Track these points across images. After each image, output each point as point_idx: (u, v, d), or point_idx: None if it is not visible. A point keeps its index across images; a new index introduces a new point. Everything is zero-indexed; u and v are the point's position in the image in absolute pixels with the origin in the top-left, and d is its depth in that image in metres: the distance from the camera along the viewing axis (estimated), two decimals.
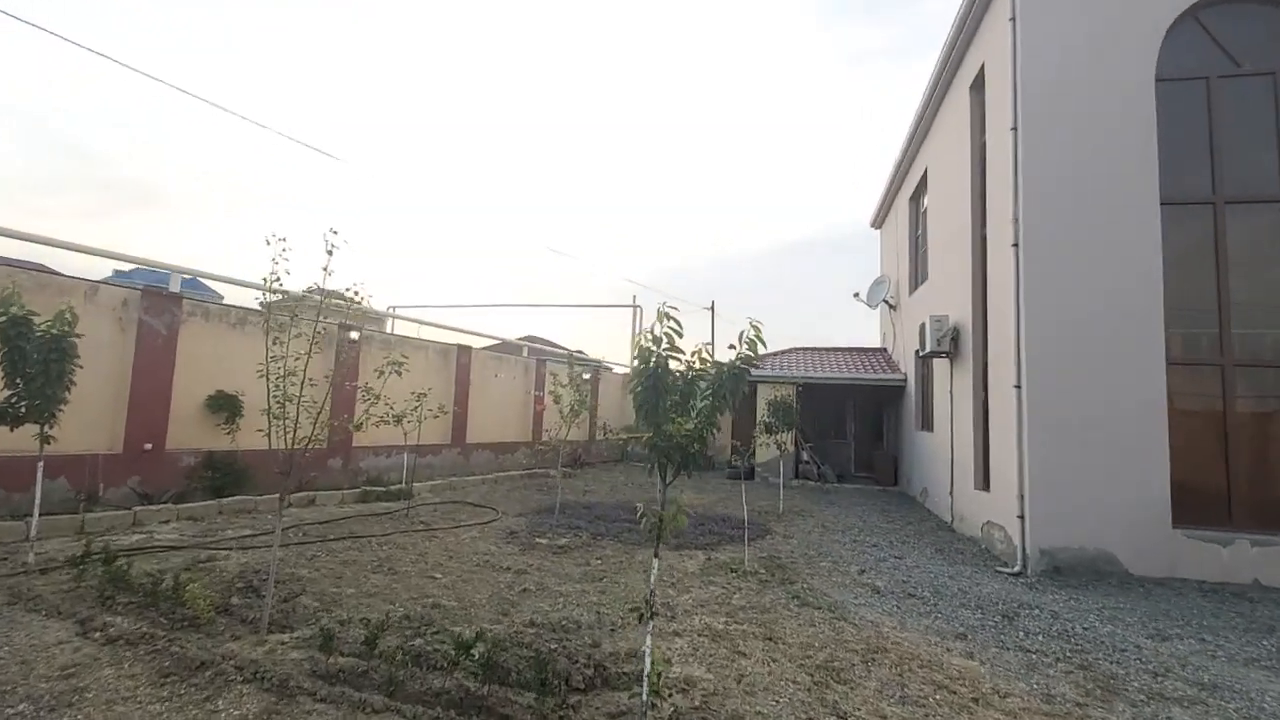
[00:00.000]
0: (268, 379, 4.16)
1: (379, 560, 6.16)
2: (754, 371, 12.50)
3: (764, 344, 3.34)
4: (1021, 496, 6.96)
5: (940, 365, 10.53)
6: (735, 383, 3.24)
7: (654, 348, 3.17)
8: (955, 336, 9.65)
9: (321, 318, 4.56)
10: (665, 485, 3.25)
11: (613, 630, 4.62)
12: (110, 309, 7.80)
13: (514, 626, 4.52)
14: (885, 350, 16.49)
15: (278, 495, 7.89)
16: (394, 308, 19.83)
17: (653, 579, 3.22)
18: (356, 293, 4.30)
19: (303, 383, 4.18)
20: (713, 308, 31.60)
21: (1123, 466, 6.70)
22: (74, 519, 6.49)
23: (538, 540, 7.44)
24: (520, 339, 21.35)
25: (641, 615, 3.11)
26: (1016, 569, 6.88)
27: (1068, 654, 4.65)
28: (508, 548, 7.05)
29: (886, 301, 15.29)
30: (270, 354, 4.17)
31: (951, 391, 9.96)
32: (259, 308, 10.03)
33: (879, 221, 17.61)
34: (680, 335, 3.20)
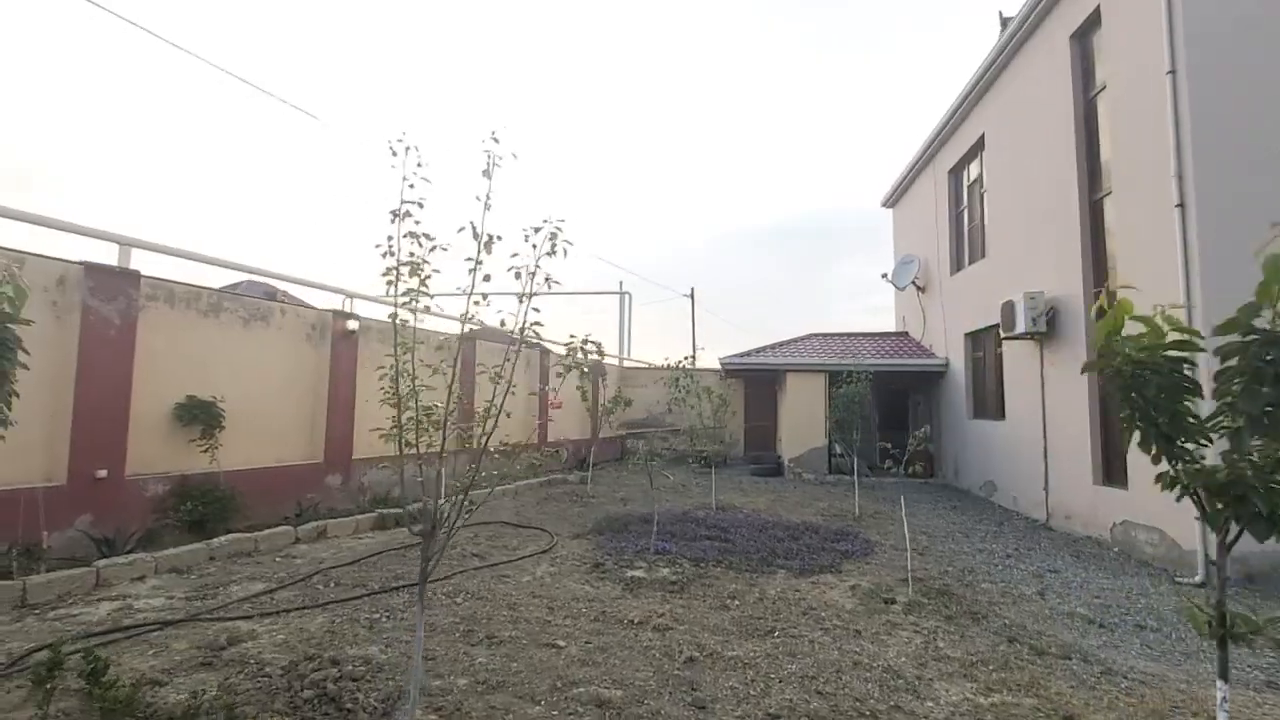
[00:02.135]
0: (397, 378, 2.58)
1: (464, 621, 4.57)
2: (782, 360, 11.25)
3: None
4: None
5: (1022, 347, 9.62)
6: None
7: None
8: (1051, 316, 8.74)
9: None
10: None
11: None
12: (41, 289, 5.77)
13: None
14: (906, 334, 15.69)
15: (282, 529, 6.13)
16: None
17: None
18: (557, 230, 2.69)
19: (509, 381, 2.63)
20: (692, 294, 30.51)
21: None
22: (10, 586, 4.56)
23: (632, 574, 5.98)
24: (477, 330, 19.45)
25: None
26: (1198, 579, 5.96)
27: None
28: (606, 587, 5.57)
29: (914, 283, 14.45)
30: (401, 343, 2.59)
31: (1043, 376, 9.06)
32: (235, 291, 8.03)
33: (893, 200, 16.77)
34: None
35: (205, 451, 6.87)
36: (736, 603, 5.22)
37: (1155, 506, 6.74)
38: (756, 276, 73.27)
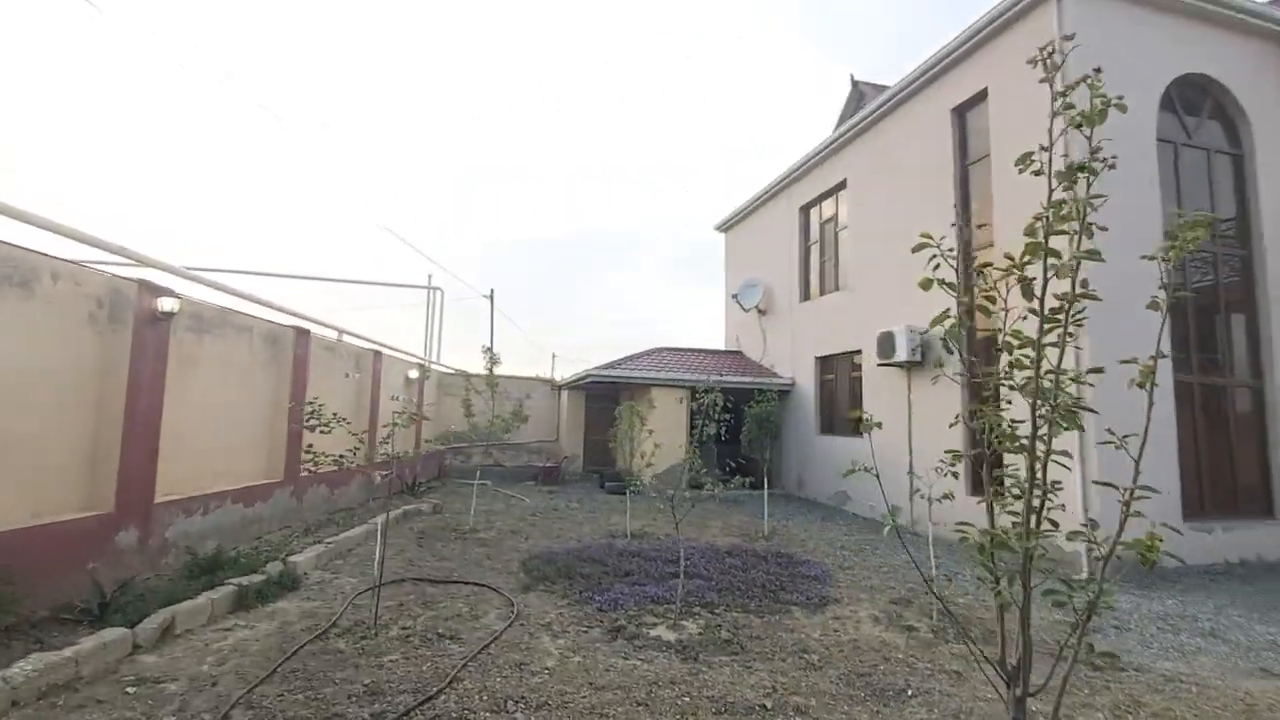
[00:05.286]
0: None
1: None
2: (651, 374, 11.11)
3: None
4: (1086, 508, 7.32)
5: (888, 373, 10.82)
6: None
7: None
8: (924, 348, 9.98)
9: None
10: None
11: None
12: None
13: None
14: (741, 353, 16.72)
15: (113, 634, 4.38)
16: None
17: None
18: None
19: None
20: (491, 296, 28.64)
21: (1152, 471, 7.54)
22: None
23: (664, 635, 4.99)
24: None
25: None
26: (1084, 576, 7.20)
27: None
28: (659, 659, 4.51)
29: (758, 307, 15.46)
30: None
31: (910, 400, 10.28)
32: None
33: (729, 225, 17.82)
34: None
35: None
36: (816, 657, 4.65)
37: None
38: (556, 286, 71.31)
